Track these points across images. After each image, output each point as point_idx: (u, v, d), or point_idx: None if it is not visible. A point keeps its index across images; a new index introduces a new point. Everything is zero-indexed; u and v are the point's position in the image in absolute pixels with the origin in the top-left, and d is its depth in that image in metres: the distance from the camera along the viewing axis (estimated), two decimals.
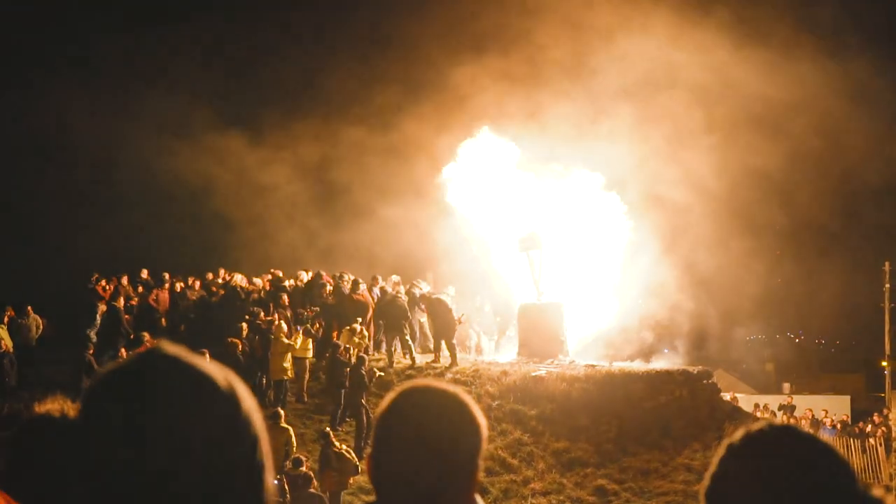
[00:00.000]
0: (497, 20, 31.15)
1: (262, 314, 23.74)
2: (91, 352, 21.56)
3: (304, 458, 18.09)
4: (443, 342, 24.80)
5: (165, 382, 1.54)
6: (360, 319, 24.30)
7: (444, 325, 24.64)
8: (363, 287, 25.83)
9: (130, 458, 1.48)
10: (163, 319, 24.70)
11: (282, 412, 19.56)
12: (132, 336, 22.45)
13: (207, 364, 1.60)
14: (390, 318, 24.91)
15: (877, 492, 1.82)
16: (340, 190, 35.92)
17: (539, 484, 20.36)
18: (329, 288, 25.62)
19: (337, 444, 18.69)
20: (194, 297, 25.69)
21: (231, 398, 1.58)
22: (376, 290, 26.15)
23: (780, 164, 32.84)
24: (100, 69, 39.70)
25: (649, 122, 30.04)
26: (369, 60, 35.59)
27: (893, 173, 39.49)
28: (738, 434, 1.85)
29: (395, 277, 26.94)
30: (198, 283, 26.63)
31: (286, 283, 26.27)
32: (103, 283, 24.58)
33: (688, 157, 29.79)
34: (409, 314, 25.16)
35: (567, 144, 28.67)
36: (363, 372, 21.75)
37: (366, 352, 23.90)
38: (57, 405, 2.85)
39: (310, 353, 23.33)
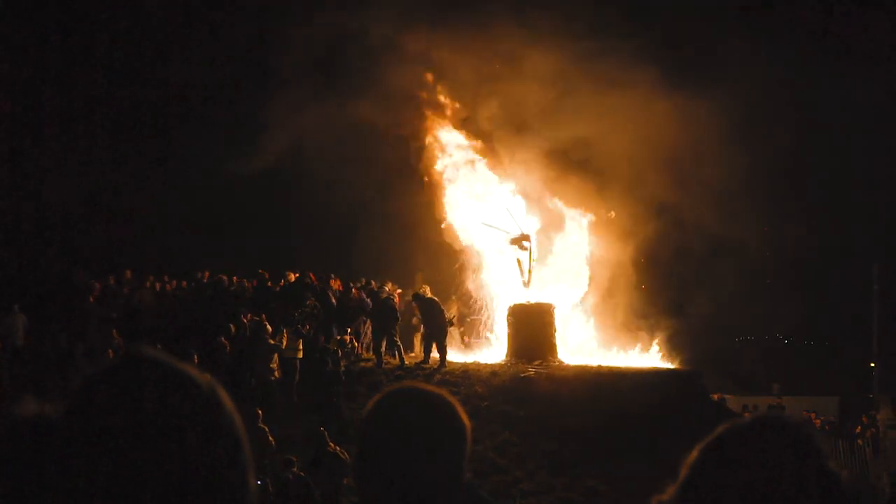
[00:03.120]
0: None
1: (251, 315, 23.74)
2: (82, 352, 21.57)
3: (294, 459, 18.07)
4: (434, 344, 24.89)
5: (148, 384, 1.54)
6: (350, 329, 24.43)
7: (436, 326, 24.66)
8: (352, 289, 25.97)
9: (115, 460, 1.48)
10: (149, 319, 24.64)
11: (259, 412, 19.47)
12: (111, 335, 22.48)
13: (188, 366, 1.60)
14: (380, 319, 24.94)
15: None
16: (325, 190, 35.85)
17: (528, 485, 20.37)
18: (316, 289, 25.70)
19: (331, 443, 18.65)
20: (181, 297, 25.66)
21: (213, 399, 1.58)
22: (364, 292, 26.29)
23: (766, 164, 32.91)
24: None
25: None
26: None
27: (884, 173, 39.63)
28: (720, 428, 1.88)
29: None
30: (184, 284, 26.61)
31: (271, 284, 26.32)
32: (91, 282, 24.58)
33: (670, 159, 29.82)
34: (398, 316, 25.21)
35: None
36: (339, 373, 21.88)
37: (351, 352, 24.07)
38: (35, 406, 2.83)
39: (300, 354, 23.31)
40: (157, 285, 26.03)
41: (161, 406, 1.53)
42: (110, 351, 21.59)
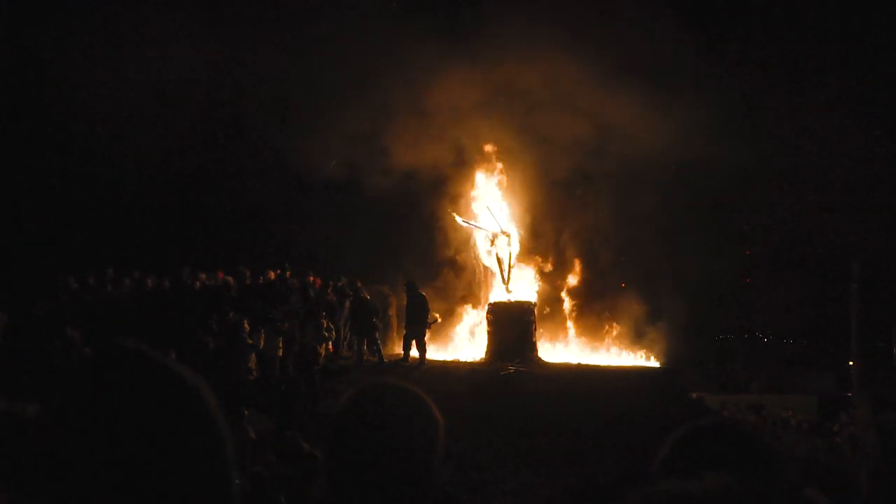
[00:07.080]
0: None
1: (231, 313, 23.64)
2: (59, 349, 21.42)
3: (272, 457, 18.01)
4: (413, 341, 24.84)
5: (134, 378, 1.53)
6: (325, 313, 24.27)
7: (419, 322, 24.61)
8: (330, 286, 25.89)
9: (98, 455, 1.47)
10: (127, 317, 24.49)
11: (245, 412, 19.40)
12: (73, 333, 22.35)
13: (174, 361, 1.60)
14: (360, 318, 24.88)
15: (811, 493, 1.86)
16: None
17: (508, 483, 20.36)
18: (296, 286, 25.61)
19: (304, 444, 18.60)
20: (160, 295, 25.55)
21: (198, 395, 1.57)
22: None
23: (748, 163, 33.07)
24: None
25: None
26: None
27: (863, 172, 39.82)
28: (686, 426, 1.91)
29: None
30: (165, 281, 26.46)
31: (251, 282, 26.23)
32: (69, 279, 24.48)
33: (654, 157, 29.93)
34: (378, 314, 25.15)
35: None
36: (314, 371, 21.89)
37: (335, 346, 24.04)
38: (12, 404, 2.82)
39: (280, 352, 23.24)
40: (149, 281, 25.90)
41: (147, 399, 1.52)
42: (88, 349, 21.46)
